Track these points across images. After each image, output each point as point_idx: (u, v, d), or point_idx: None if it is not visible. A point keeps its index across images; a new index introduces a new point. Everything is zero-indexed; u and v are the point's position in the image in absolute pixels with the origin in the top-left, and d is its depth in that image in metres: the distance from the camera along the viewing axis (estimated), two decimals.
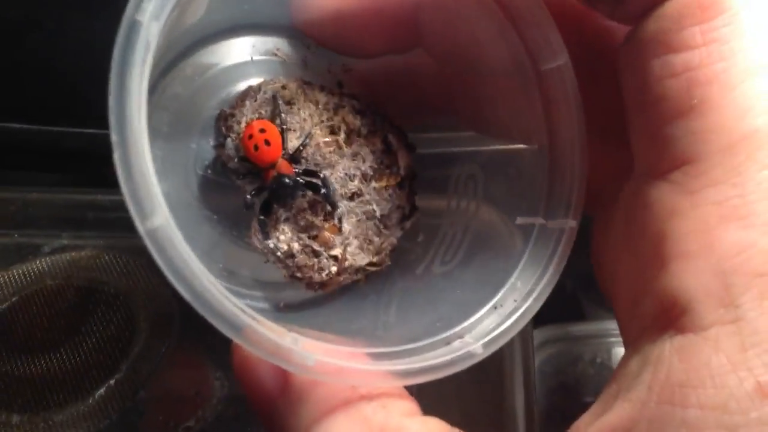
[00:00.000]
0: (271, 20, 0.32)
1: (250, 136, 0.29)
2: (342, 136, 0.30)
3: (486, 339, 0.24)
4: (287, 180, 0.28)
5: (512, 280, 0.26)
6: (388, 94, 0.33)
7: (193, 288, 0.20)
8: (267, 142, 0.29)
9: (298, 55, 0.33)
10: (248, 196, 0.29)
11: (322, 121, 0.30)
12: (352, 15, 0.29)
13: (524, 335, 0.45)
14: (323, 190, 0.29)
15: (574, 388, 0.57)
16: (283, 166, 0.29)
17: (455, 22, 0.28)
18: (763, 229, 0.19)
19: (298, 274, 0.29)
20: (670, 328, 0.20)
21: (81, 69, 0.47)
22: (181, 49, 0.31)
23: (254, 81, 0.32)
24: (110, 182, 0.20)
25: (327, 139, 0.30)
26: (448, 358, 0.23)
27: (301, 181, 0.29)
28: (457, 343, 0.24)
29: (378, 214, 0.30)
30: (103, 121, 0.51)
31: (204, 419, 0.40)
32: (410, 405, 0.24)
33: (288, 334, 0.21)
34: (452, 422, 0.23)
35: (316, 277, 0.29)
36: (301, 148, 0.30)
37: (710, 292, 0.19)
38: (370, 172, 0.30)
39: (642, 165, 0.23)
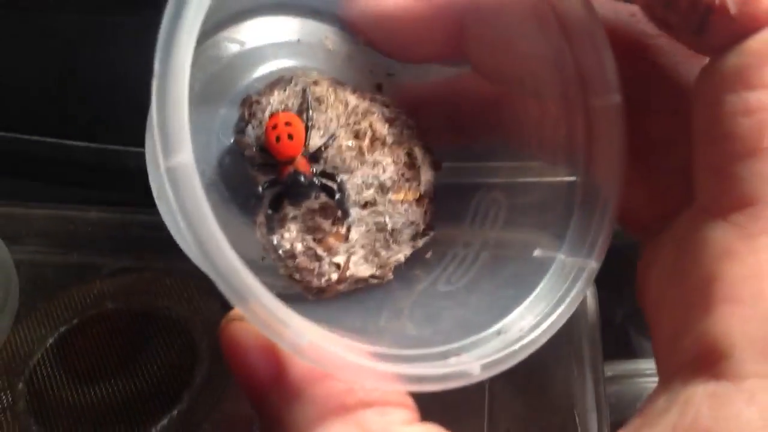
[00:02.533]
0: (327, 6, 0.31)
1: (275, 126, 0.28)
2: (366, 142, 0.29)
3: (485, 361, 0.22)
4: (303, 179, 0.27)
5: (521, 309, 0.24)
6: (426, 106, 0.32)
7: (200, 233, 0.18)
8: (290, 137, 0.28)
9: (345, 48, 0.32)
10: (260, 188, 0.28)
11: (348, 124, 0.29)
12: (402, 17, 0.29)
13: (595, 369, 0.44)
14: (338, 195, 0.28)
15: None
16: (302, 163, 0.28)
17: (507, 38, 0.28)
18: None
19: (297, 276, 0.28)
20: (706, 372, 0.19)
21: (144, 87, 0.46)
22: (231, 13, 0.30)
23: (296, 62, 0.31)
24: None
25: (350, 143, 0.29)
26: (441, 371, 0.22)
27: (317, 182, 0.28)
28: (453, 359, 0.23)
29: (389, 227, 0.29)
30: None
31: None
32: (409, 413, 0.23)
33: (285, 309, 0.20)
34: None
35: (315, 282, 0.28)
36: (323, 148, 0.29)
37: (755, 342, 0.19)
38: (388, 183, 0.29)
39: (702, 201, 0.22)
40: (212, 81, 0.30)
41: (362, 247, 0.28)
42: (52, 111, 0.48)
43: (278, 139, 0.28)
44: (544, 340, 0.23)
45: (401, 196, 0.29)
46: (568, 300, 0.24)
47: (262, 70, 0.31)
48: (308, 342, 0.19)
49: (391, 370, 0.21)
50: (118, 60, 0.46)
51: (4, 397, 0.40)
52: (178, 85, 0.19)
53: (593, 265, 0.25)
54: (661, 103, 0.25)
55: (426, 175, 0.30)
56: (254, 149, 0.29)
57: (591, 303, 0.45)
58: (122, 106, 0.46)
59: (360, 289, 0.29)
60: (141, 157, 0.46)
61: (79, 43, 0.47)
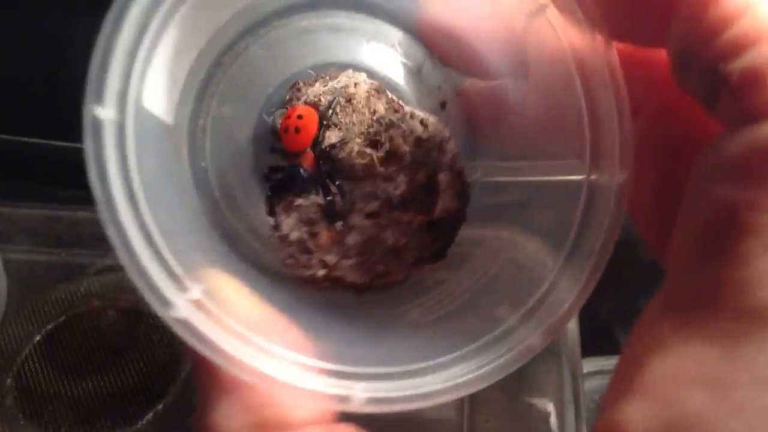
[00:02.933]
0: (403, 12, 0.30)
1: (288, 117, 0.28)
2: (379, 155, 0.29)
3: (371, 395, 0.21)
4: (302, 172, 0.28)
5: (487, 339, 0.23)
6: (490, 124, 0.31)
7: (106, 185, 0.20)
8: (297, 130, 0.28)
9: (416, 58, 0.31)
10: (266, 170, 0.29)
11: (369, 132, 0.29)
12: (475, 35, 0.28)
13: (573, 364, 0.45)
14: (329, 197, 0.28)
15: None
16: (306, 159, 0.28)
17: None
18: (731, 410, 0.17)
19: (288, 262, 0.28)
20: None
21: None
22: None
23: (359, 61, 0.31)
24: None
25: (364, 150, 0.29)
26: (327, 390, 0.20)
27: (315, 178, 0.28)
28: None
29: (390, 242, 0.28)
30: None
31: None
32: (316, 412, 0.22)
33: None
34: None
35: (299, 273, 0.28)
36: (330, 148, 0.29)
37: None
38: (397, 200, 0.28)
39: (665, 282, 0.21)
40: (274, 59, 0.30)
41: (359, 254, 0.28)
42: (38, 112, 0.49)
43: (286, 130, 0.28)
44: (494, 378, 0.22)
45: (409, 216, 0.28)
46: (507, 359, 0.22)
47: (322, 59, 0.31)
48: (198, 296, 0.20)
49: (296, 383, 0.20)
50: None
51: None
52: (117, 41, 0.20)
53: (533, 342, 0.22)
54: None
55: (444, 203, 0.28)
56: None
57: None
58: None
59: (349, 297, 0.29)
60: None
61: (63, 43, 0.48)
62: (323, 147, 0.29)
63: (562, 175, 0.25)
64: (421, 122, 0.30)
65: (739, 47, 0.18)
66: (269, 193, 0.29)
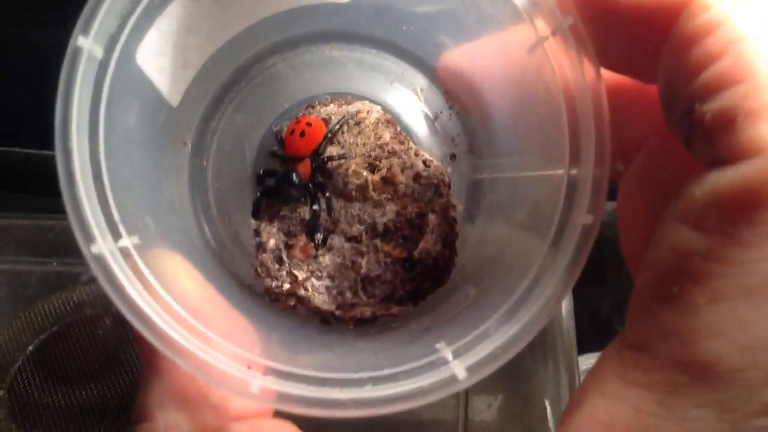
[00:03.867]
0: (430, 59, 0.31)
1: (297, 122, 0.29)
2: (374, 178, 0.29)
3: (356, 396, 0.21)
4: (295, 177, 0.28)
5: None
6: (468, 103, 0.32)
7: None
8: (302, 134, 0.29)
9: (435, 105, 0.31)
10: (261, 171, 0.29)
11: (370, 156, 0.29)
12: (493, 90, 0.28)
13: (569, 360, 0.45)
14: (315, 207, 0.28)
15: None
16: (303, 166, 0.29)
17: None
18: None
19: (258, 269, 0.28)
20: None
21: None
22: (349, 34, 0.31)
23: (381, 99, 0.31)
24: None
25: (361, 171, 0.29)
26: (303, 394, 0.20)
27: (305, 186, 0.28)
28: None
29: (363, 271, 0.28)
30: None
31: None
32: (251, 407, 0.23)
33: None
34: None
35: (267, 282, 0.28)
36: (328, 159, 0.29)
37: None
38: (381, 228, 0.28)
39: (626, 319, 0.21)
40: (297, 79, 0.31)
41: (330, 277, 0.28)
42: (31, 123, 0.49)
43: (292, 132, 0.29)
44: (471, 380, 0.21)
45: (389, 248, 0.28)
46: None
47: (343, 89, 0.31)
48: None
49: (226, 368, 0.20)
50: None
51: None
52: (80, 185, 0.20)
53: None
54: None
55: (428, 245, 0.28)
56: (277, 138, 0.30)
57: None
58: None
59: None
60: None
61: (56, 56, 0.48)
62: (323, 157, 0.29)
63: (542, 171, 0.25)
64: (424, 162, 0.30)
65: (713, 88, 0.18)
66: (258, 195, 0.29)
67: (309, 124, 0.29)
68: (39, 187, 0.50)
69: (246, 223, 0.30)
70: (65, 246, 0.46)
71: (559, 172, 0.22)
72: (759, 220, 0.17)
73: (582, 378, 0.50)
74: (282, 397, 0.20)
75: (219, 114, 0.30)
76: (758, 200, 0.16)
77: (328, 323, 0.28)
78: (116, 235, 0.20)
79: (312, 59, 0.31)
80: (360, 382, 0.21)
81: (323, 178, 0.29)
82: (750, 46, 0.17)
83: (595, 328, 0.66)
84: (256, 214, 0.29)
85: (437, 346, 0.22)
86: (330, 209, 0.28)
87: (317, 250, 0.28)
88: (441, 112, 0.32)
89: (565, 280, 0.21)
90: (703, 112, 0.18)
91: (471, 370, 0.21)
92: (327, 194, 0.29)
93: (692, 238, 0.18)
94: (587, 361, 0.55)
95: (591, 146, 0.21)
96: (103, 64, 0.21)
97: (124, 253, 0.20)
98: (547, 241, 0.22)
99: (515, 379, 0.43)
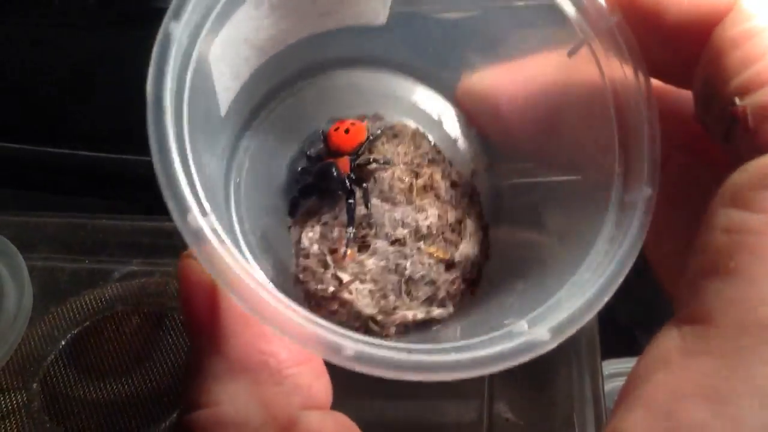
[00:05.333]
0: (452, 83, 0.32)
1: (342, 120, 0.30)
2: (419, 183, 0.30)
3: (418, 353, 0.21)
4: (334, 171, 0.29)
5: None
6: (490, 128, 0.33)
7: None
8: (347, 131, 0.30)
9: (456, 128, 0.32)
10: (299, 168, 0.30)
11: (412, 162, 0.30)
12: (512, 118, 0.30)
13: (593, 364, 0.45)
14: (351, 201, 0.28)
15: None
16: (343, 161, 0.29)
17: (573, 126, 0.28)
18: (728, 422, 0.18)
19: (301, 276, 0.28)
20: None
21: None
22: (375, 61, 0.33)
23: (406, 120, 0.32)
24: None
25: (404, 177, 0.30)
26: (374, 351, 0.20)
27: (344, 181, 0.29)
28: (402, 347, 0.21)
29: (407, 273, 0.28)
30: None
31: None
32: (317, 395, 0.23)
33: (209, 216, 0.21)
34: None
35: (312, 286, 0.28)
36: (373, 161, 0.30)
37: None
38: (424, 231, 0.29)
39: (675, 303, 0.22)
40: (325, 102, 0.32)
41: (373, 280, 0.28)
42: (65, 123, 0.50)
43: (337, 128, 0.30)
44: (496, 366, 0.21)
45: (432, 249, 0.29)
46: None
47: (368, 111, 0.32)
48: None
49: (315, 330, 0.20)
50: (127, 72, 0.47)
51: (19, 396, 0.41)
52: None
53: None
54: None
55: (467, 249, 0.29)
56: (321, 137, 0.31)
57: None
58: (132, 116, 0.48)
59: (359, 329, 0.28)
60: (149, 166, 0.48)
61: (89, 56, 0.49)
62: (368, 159, 0.30)
63: (594, 189, 0.26)
64: (457, 172, 0.31)
65: (754, 85, 0.20)
66: (296, 194, 0.29)
67: (353, 124, 0.30)
68: (72, 186, 0.51)
69: (279, 238, 0.30)
70: (97, 244, 0.47)
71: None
72: None
73: (605, 382, 0.50)
74: (374, 360, 0.20)
75: (251, 133, 0.31)
76: None
77: (370, 331, 0.28)
78: (204, 214, 0.21)
79: (338, 83, 0.32)
80: (444, 351, 0.21)
81: (372, 185, 0.30)
82: None
83: (615, 337, 0.65)
84: (293, 212, 0.30)
85: (506, 322, 0.22)
86: (367, 202, 0.29)
87: (347, 246, 0.28)
88: (459, 134, 0.33)
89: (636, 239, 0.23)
90: (744, 106, 0.20)
91: (554, 331, 0.21)
92: (364, 185, 0.29)
93: (744, 217, 0.19)
94: (609, 367, 0.56)
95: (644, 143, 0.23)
96: (187, 54, 0.22)
97: (213, 231, 0.21)
98: (611, 215, 0.23)
99: (539, 382, 0.43)
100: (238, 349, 0.23)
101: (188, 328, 0.24)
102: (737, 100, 0.20)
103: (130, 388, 0.41)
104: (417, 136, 0.31)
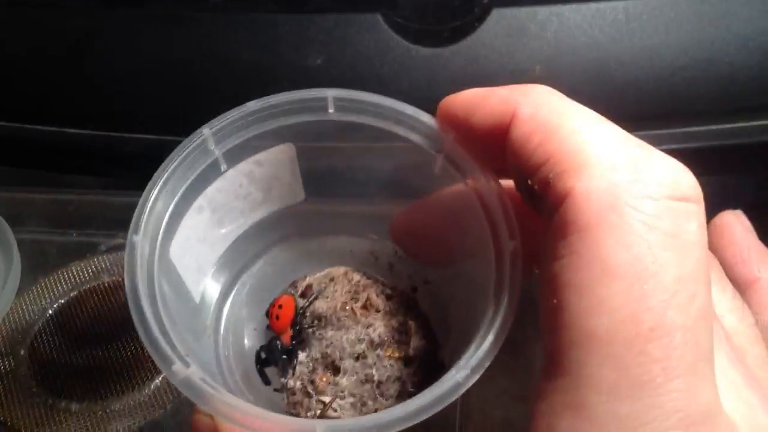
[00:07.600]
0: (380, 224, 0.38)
1: (273, 306, 0.35)
2: (359, 305, 0.35)
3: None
4: (279, 345, 0.34)
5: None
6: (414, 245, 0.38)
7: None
8: (277, 317, 0.35)
9: (387, 257, 0.38)
10: (258, 348, 0.35)
11: (349, 293, 0.35)
12: (426, 234, 0.35)
13: None
14: (284, 358, 0.34)
15: None
16: (285, 337, 0.34)
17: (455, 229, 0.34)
18: (592, 422, 0.22)
19: (293, 411, 0.32)
20: None
21: (140, 77, 0.49)
22: (305, 229, 0.39)
23: (347, 265, 0.37)
24: None
25: (345, 305, 0.35)
26: None
27: (288, 351, 0.34)
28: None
29: (376, 378, 0.32)
30: (156, 127, 0.52)
31: None
32: None
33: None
34: None
35: (302, 414, 0.32)
36: (308, 327, 0.34)
37: None
38: (377, 340, 0.33)
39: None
40: (281, 273, 0.38)
41: (352, 395, 0.32)
42: (53, 101, 0.51)
43: (270, 317, 0.35)
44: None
45: (389, 352, 0.33)
46: None
47: (316, 268, 0.37)
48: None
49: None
50: (117, 51, 0.49)
51: (7, 362, 0.42)
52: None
53: None
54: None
55: (417, 343, 0.33)
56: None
57: None
58: (120, 94, 0.49)
59: None
60: (135, 143, 0.49)
61: (77, 35, 0.50)
62: (298, 328, 0.35)
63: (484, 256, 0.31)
64: (391, 287, 0.36)
65: (535, 168, 0.26)
66: (258, 366, 0.35)
67: (280, 306, 0.35)
68: (60, 163, 0.52)
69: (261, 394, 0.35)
70: (85, 218, 0.48)
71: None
72: (569, 239, 0.24)
73: None
74: (345, 428, 0.25)
75: (225, 312, 0.37)
76: (567, 227, 0.24)
77: None
78: (186, 364, 0.26)
79: (287, 257, 0.39)
80: (396, 409, 0.26)
81: (319, 323, 0.35)
82: (560, 135, 0.25)
83: None
84: (265, 381, 0.34)
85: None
86: (292, 359, 0.34)
87: (335, 376, 0.33)
88: (393, 260, 0.38)
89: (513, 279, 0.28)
90: (534, 183, 0.26)
91: (474, 368, 0.26)
92: (306, 351, 0.34)
93: (551, 265, 0.24)
94: None
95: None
96: (150, 258, 0.28)
97: (196, 374, 0.26)
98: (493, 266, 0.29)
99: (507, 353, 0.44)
100: None
101: None
102: (529, 181, 0.26)
103: (115, 355, 0.42)
104: (349, 272, 0.36)
